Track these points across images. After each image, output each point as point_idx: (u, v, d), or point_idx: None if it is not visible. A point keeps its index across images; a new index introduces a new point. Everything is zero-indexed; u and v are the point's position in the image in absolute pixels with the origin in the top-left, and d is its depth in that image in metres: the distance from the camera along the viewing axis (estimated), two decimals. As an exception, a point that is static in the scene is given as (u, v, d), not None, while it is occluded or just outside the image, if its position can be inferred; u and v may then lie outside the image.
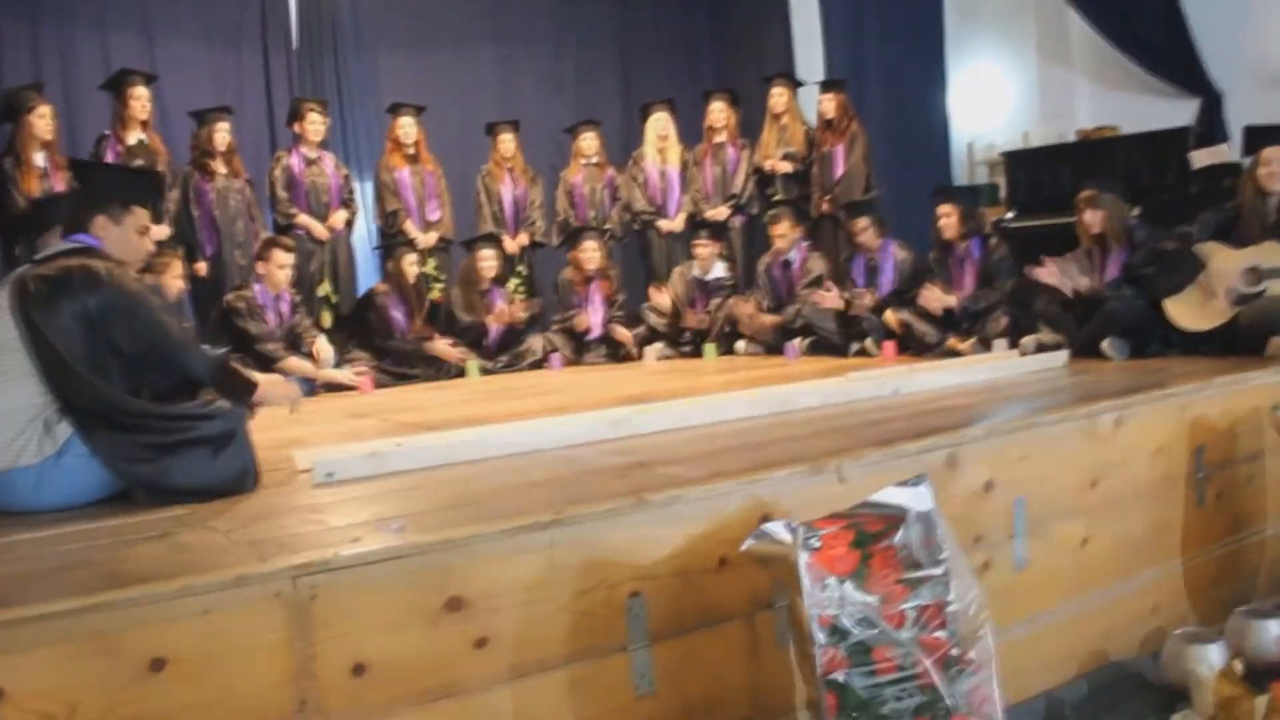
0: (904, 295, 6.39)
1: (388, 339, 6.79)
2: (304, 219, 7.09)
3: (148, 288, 3.04)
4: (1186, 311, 4.76)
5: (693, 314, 7.36)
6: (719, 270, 7.44)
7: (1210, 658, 2.90)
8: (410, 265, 6.91)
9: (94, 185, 3.23)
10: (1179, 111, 8.25)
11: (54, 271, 2.81)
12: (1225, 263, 4.70)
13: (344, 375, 6.25)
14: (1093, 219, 5.20)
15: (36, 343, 2.72)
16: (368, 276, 7.71)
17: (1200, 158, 7.35)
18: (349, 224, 7.39)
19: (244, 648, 1.89)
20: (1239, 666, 2.86)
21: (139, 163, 6.27)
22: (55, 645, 1.76)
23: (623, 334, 7.34)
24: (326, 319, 7.02)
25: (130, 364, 2.82)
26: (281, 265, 6.26)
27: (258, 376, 3.23)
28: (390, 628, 2.02)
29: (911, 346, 6.05)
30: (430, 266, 7.44)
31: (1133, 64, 8.60)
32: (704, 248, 7.39)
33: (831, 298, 6.61)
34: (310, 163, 7.18)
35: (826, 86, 7.66)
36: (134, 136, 6.51)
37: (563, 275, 7.61)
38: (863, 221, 6.69)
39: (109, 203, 3.05)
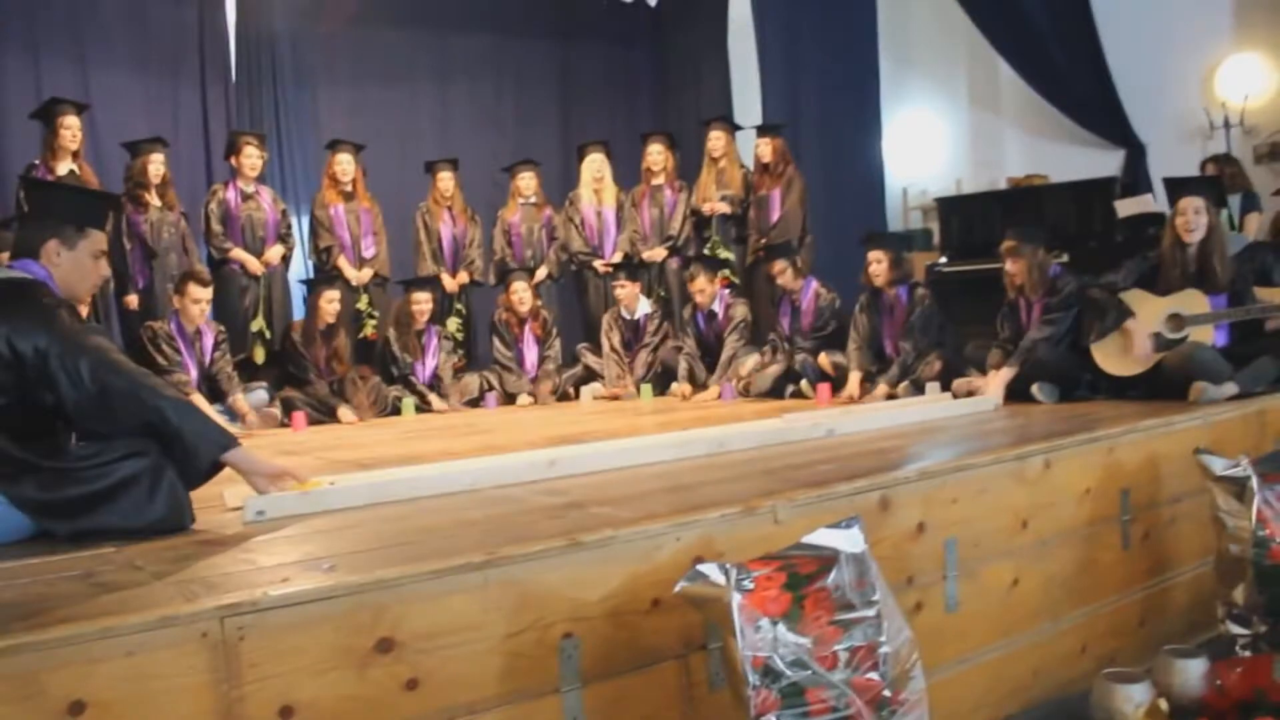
0: (828, 336, 6.51)
1: (304, 376, 6.69)
2: (239, 253, 7.02)
3: (91, 327, 2.88)
4: (1113, 357, 4.87)
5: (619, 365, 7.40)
6: (644, 307, 7.50)
7: (1136, 697, 2.94)
8: (328, 303, 6.78)
9: (46, 206, 3.02)
10: (1105, 162, 8.51)
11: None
12: (1148, 310, 4.83)
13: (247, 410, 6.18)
14: (1014, 269, 5.30)
15: None
16: (303, 312, 7.63)
17: (1125, 207, 7.56)
18: (285, 259, 7.33)
19: (168, 690, 1.84)
20: (1164, 705, 2.90)
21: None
22: (-30, 688, 1.71)
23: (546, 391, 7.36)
24: (259, 355, 6.94)
25: (78, 410, 2.63)
26: (196, 300, 6.16)
27: (249, 446, 3.01)
28: (320, 669, 1.99)
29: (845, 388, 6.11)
30: (364, 303, 7.40)
31: (1061, 115, 8.83)
32: (623, 289, 7.46)
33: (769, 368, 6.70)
34: (247, 197, 7.12)
35: (763, 131, 7.77)
36: (64, 166, 6.41)
37: (497, 315, 7.59)
38: (780, 264, 6.80)
39: (62, 225, 2.87)
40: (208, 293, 6.24)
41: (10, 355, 2.59)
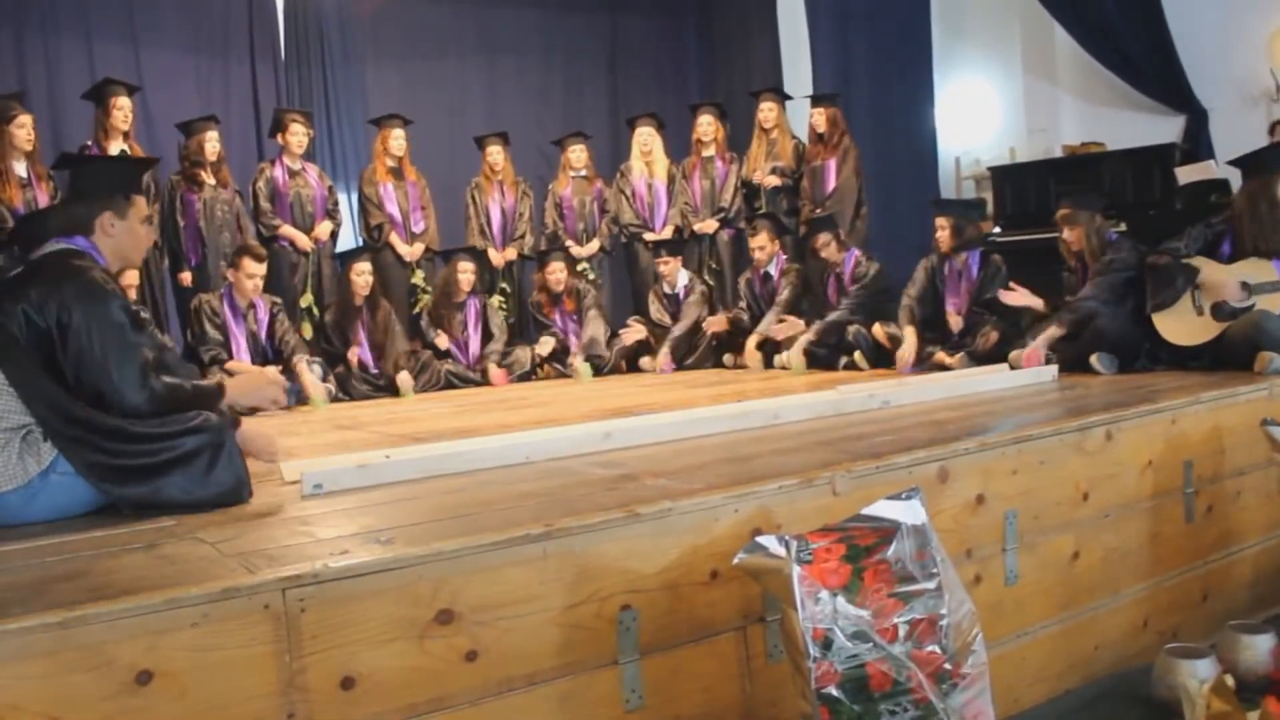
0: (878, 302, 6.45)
1: (340, 352, 6.69)
2: (287, 230, 7.07)
3: (131, 310, 2.88)
4: (1175, 326, 4.78)
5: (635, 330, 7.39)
6: (683, 278, 7.49)
7: (1201, 672, 2.89)
8: (358, 275, 6.70)
9: (92, 180, 3.06)
10: (1164, 128, 8.31)
11: (44, 276, 2.70)
12: (1213, 277, 4.72)
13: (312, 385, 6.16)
14: (1070, 237, 5.24)
15: (6, 351, 2.63)
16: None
17: (1186, 174, 7.41)
18: (333, 235, 7.37)
19: (233, 660, 1.87)
20: (1230, 681, 2.85)
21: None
22: (40, 658, 1.73)
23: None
24: (308, 330, 6.99)
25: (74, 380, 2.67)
26: (250, 274, 6.18)
27: (228, 382, 3.01)
28: (380, 640, 2.00)
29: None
30: (418, 278, 7.43)
31: (1118, 80, 8.64)
32: (665, 265, 7.44)
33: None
34: (294, 174, 7.16)
35: (818, 100, 7.69)
36: (116, 146, 6.48)
37: (532, 297, 7.57)
38: (823, 237, 6.74)
39: (112, 196, 2.91)
40: (262, 268, 6.25)
41: (60, 321, 2.64)
